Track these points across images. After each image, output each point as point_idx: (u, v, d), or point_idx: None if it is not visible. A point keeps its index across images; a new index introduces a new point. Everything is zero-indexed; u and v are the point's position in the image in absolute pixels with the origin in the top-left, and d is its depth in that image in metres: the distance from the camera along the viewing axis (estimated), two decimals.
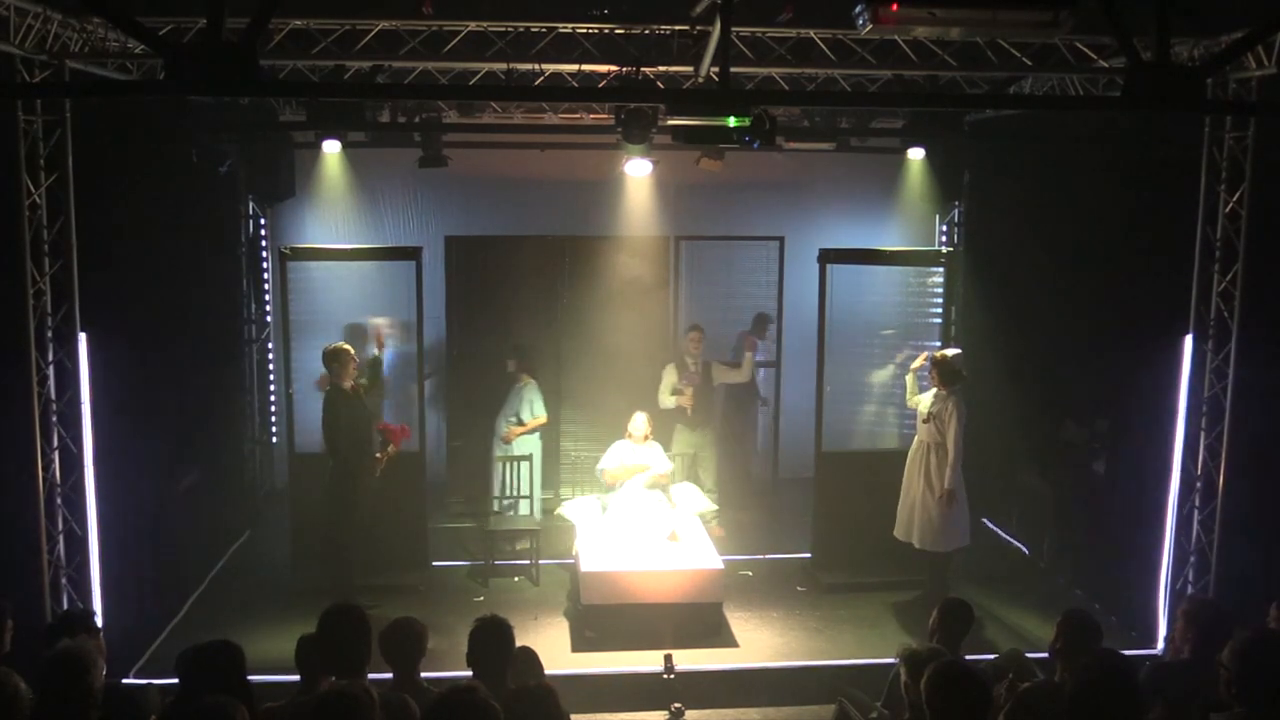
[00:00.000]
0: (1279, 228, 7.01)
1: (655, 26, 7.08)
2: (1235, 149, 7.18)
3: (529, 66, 7.46)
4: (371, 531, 8.12)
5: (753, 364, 9.71)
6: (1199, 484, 7.51)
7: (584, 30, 7.16)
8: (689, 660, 7.16)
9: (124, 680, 6.81)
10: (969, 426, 8.03)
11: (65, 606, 6.95)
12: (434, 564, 8.94)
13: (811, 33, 7.19)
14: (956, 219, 11.19)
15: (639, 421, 8.72)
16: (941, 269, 8.96)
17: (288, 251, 8.60)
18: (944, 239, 11.30)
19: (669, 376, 9.51)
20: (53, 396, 7.00)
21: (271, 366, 10.87)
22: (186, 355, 8.63)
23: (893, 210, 10.65)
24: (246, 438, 10.67)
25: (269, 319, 10.72)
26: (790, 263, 10.19)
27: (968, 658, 5.07)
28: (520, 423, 9.24)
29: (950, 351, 8.19)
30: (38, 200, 6.83)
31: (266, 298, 10.77)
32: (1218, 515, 7.41)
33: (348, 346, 7.98)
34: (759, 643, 7.74)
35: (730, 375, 9.67)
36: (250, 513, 10.20)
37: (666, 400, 9.45)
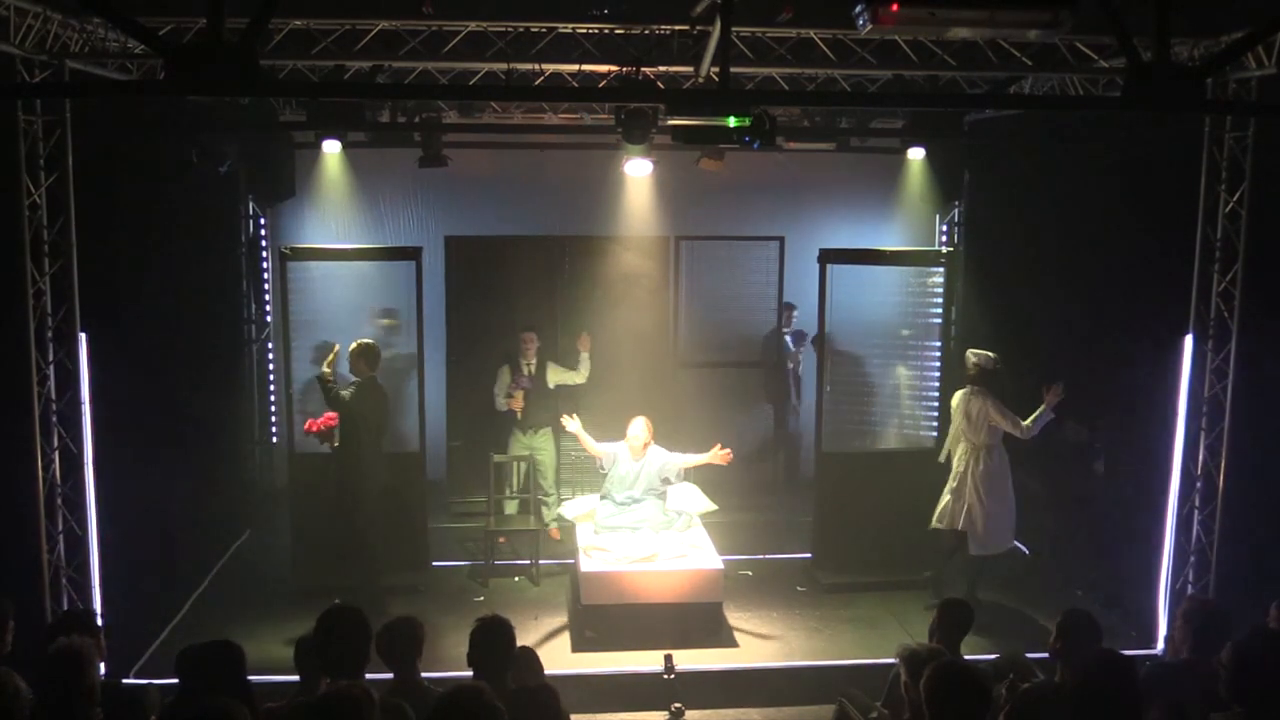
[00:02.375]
0: (1279, 228, 7.02)
1: (655, 26, 7.08)
2: (1235, 149, 7.18)
3: (529, 66, 7.46)
4: (374, 531, 8.11)
5: (588, 364, 9.53)
6: (1199, 484, 7.51)
7: (584, 30, 7.16)
8: (689, 660, 7.16)
9: (124, 680, 6.81)
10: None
11: (65, 606, 6.96)
12: (434, 564, 8.94)
13: (811, 33, 7.19)
14: (956, 219, 11.19)
15: (638, 428, 8.35)
16: (941, 269, 8.95)
17: (288, 251, 8.59)
18: (944, 239, 11.30)
19: (503, 378, 9.41)
20: (53, 396, 7.01)
21: (271, 366, 10.86)
22: (186, 355, 8.63)
23: (893, 210, 10.64)
24: (246, 438, 10.67)
25: (269, 319, 10.71)
26: (790, 263, 10.20)
27: (968, 658, 5.09)
28: None
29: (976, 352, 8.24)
30: (38, 200, 6.83)
31: (266, 298, 10.77)
32: (1218, 515, 7.41)
33: (370, 341, 8.11)
34: (759, 643, 7.74)
35: (567, 376, 9.50)
36: (250, 513, 10.19)
37: (499, 403, 9.39)
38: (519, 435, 9.46)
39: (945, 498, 8.27)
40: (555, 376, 9.48)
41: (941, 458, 8.40)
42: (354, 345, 8.07)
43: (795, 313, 10.36)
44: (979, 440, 8.09)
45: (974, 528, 8.14)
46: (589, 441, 8.46)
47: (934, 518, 8.34)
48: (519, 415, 9.38)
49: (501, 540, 9.27)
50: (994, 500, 8.09)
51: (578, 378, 9.54)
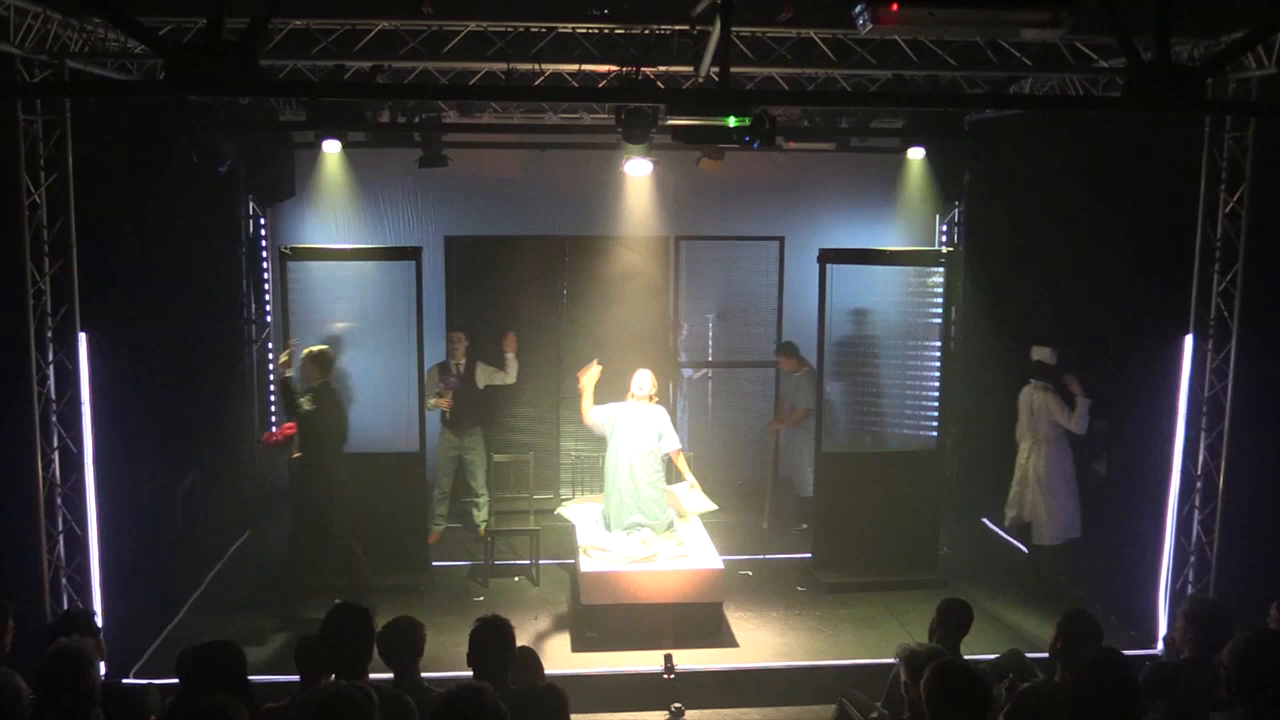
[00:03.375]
0: (1279, 228, 7.01)
1: (655, 26, 7.07)
2: (1235, 149, 7.18)
3: (529, 66, 7.46)
4: (355, 535, 8.11)
5: (516, 365, 9.48)
6: (1199, 484, 7.51)
7: (584, 30, 7.16)
8: (689, 660, 7.16)
9: (124, 680, 6.82)
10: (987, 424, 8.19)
11: (65, 606, 6.96)
12: (434, 564, 8.94)
13: (811, 33, 7.19)
14: (956, 219, 11.19)
15: (643, 379, 8.24)
16: (941, 269, 8.95)
17: (288, 251, 8.60)
18: (944, 239, 11.30)
19: (432, 378, 9.29)
20: (53, 396, 7.00)
21: (271, 366, 10.87)
22: (186, 355, 8.63)
23: (893, 210, 10.65)
24: (246, 438, 10.66)
25: (269, 319, 10.72)
26: (790, 263, 10.20)
27: (968, 658, 5.08)
28: None
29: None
30: (38, 200, 6.83)
31: (266, 298, 10.77)
32: (1218, 515, 7.41)
33: (324, 347, 8.15)
34: (759, 643, 7.74)
35: (495, 376, 9.47)
36: (250, 513, 10.19)
37: (428, 403, 9.23)
38: (448, 434, 9.41)
39: (1014, 489, 8.55)
40: (485, 377, 9.45)
41: (1022, 457, 8.57)
42: (306, 351, 8.03)
43: None
44: (1040, 434, 8.33)
45: (1038, 518, 8.38)
46: (588, 402, 8.31)
47: (1006, 508, 8.64)
48: (447, 415, 9.34)
49: (432, 540, 9.28)
50: (1056, 492, 8.32)
51: (507, 378, 9.51)
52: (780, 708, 7.07)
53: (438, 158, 9.27)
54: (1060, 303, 9.11)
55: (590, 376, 8.35)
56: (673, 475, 8.57)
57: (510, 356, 9.49)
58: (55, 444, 7.04)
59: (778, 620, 8.13)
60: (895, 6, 4.54)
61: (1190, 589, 7.52)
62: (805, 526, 9.83)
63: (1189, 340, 7.48)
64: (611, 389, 9.19)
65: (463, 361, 9.38)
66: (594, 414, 8.31)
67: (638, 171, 9.12)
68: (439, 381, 9.29)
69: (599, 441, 9.33)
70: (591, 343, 9.86)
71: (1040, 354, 8.41)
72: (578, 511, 8.69)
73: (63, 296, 6.97)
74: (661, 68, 7.32)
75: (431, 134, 9.23)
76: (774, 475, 10.03)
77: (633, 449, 8.13)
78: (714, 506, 8.71)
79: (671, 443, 8.29)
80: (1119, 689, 3.84)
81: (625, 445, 8.14)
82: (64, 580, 7.10)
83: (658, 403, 8.36)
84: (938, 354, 9.00)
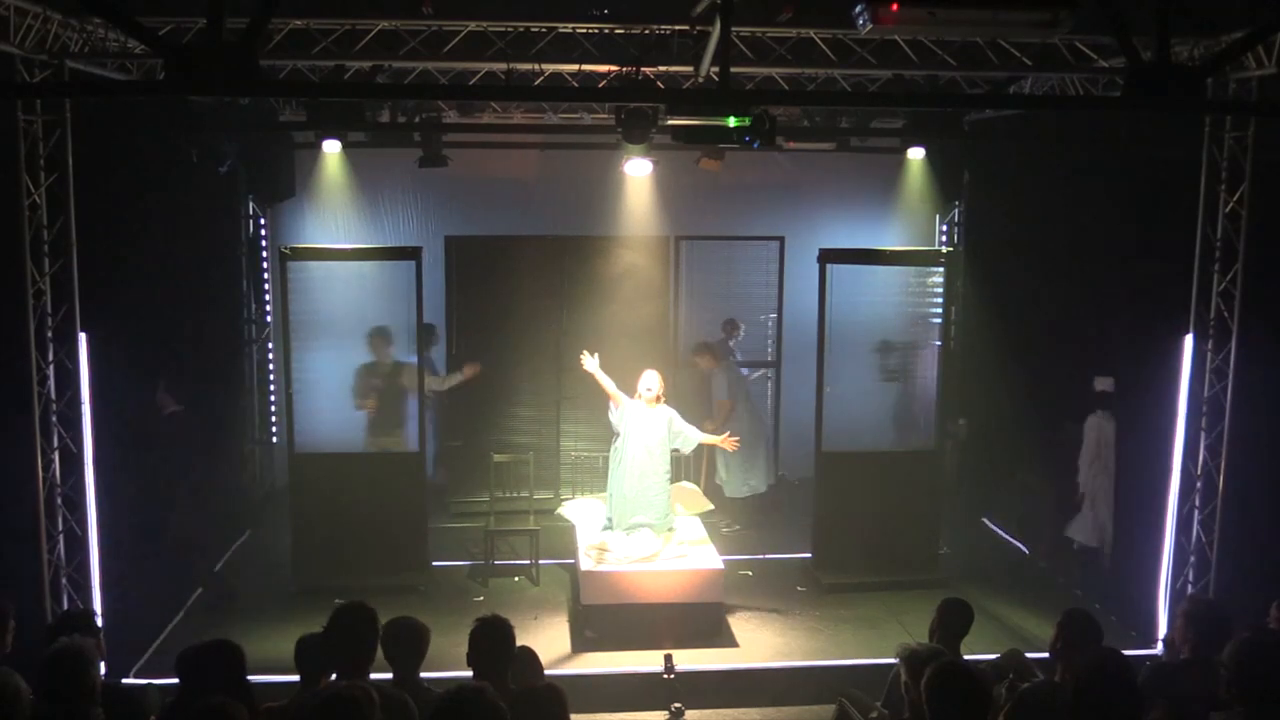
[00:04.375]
0: (1279, 228, 7.02)
1: (655, 26, 7.08)
2: (1235, 149, 7.18)
3: (529, 66, 7.47)
4: None
5: (457, 380, 9.41)
6: (1199, 484, 7.51)
7: (584, 30, 7.17)
8: (689, 660, 7.15)
9: (124, 680, 6.82)
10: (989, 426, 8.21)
11: (65, 606, 6.96)
12: (434, 564, 8.94)
13: (811, 33, 7.20)
14: (956, 219, 11.19)
15: (650, 380, 8.00)
16: (941, 269, 8.95)
17: (288, 251, 8.59)
18: (944, 239, 11.30)
19: (360, 378, 9.16)
20: (53, 396, 7.01)
21: (272, 366, 10.87)
22: (186, 355, 8.64)
23: (893, 210, 10.66)
24: (246, 438, 10.67)
25: (269, 319, 10.72)
26: (790, 263, 10.20)
27: (968, 658, 5.09)
28: None
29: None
30: (38, 200, 6.84)
31: (266, 298, 10.77)
32: (1218, 515, 7.41)
33: None
34: (759, 643, 7.74)
35: (430, 380, 9.31)
36: (250, 513, 10.19)
37: (355, 403, 9.17)
38: (374, 437, 9.23)
39: (1086, 513, 8.76)
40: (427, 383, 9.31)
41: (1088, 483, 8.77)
42: None
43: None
44: (1108, 462, 8.55)
45: (1101, 532, 8.70)
46: (606, 380, 8.09)
47: (1072, 528, 8.88)
48: (372, 416, 9.18)
49: None
50: (1108, 506, 8.64)
51: (437, 384, 9.43)
52: (780, 708, 7.07)
53: (438, 158, 9.27)
54: (1060, 302, 9.12)
55: (593, 367, 8.10)
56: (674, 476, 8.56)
57: (459, 376, 9.51)
58: (55, 444, 7.04)
59: (778, 620, 8.12)
60: (895, 6, 4.55)
61: (1190, 589, 7.52)
62: (739, 528, 9.83)
63: (1189, 340, 7.48)
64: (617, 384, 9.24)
65: (388, 364, 9.24)
66: (620, 403, 8.10)
67: (638, 171, 9.12)
68: (365, 381, 9.12)
69: (599, 441, 9.35)
70: (592, 343, 9.84)
71: (1103, 384, 8.56)
72: (578, 511, 8.69)
73: (63, 296, 6.98)
74: (661, 68, 7.32)
75: (431, 134, 9.24)
76: (705, 475, 10.00)
77: (642, 450, 8.01)
78: (711, 506, 8.72)
79: (695, 436, 8.13)
80: (1119, 689, 3.84)
81: (634, 446, 8.02)
82: (64, 580, 7.11)
83: (663, 402, 8.20)
84: (938, 354, 8.99)
